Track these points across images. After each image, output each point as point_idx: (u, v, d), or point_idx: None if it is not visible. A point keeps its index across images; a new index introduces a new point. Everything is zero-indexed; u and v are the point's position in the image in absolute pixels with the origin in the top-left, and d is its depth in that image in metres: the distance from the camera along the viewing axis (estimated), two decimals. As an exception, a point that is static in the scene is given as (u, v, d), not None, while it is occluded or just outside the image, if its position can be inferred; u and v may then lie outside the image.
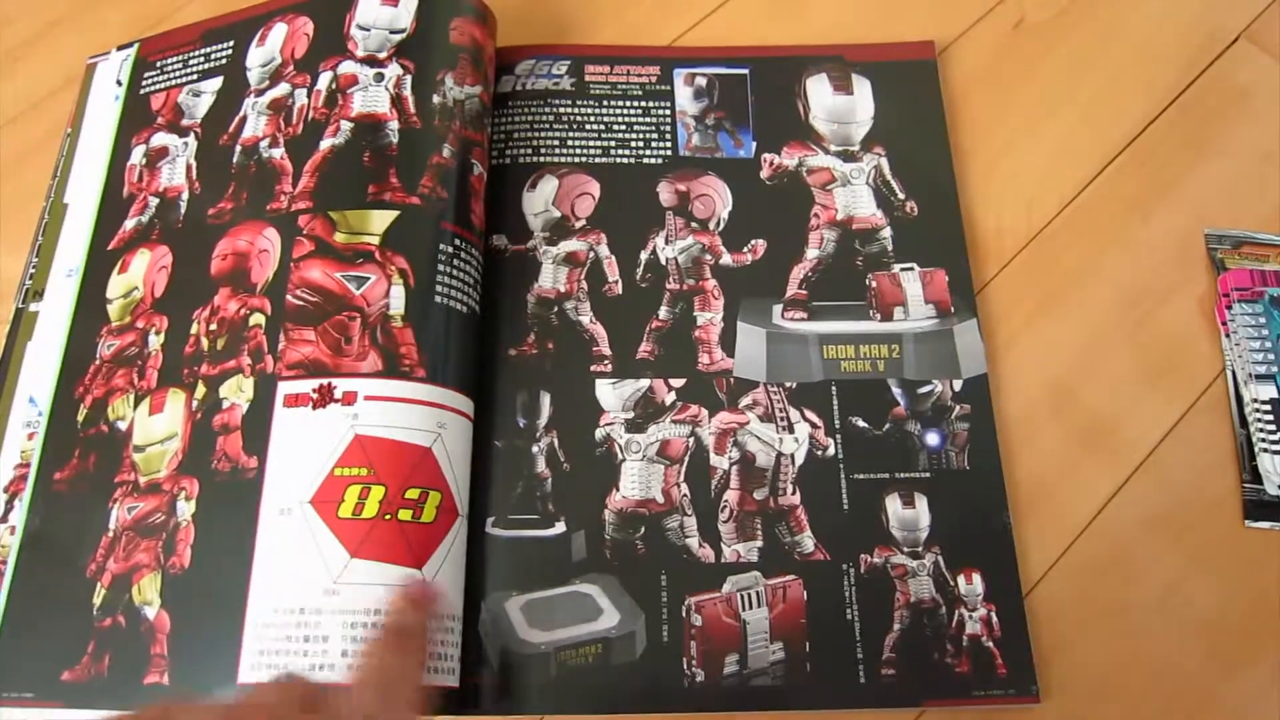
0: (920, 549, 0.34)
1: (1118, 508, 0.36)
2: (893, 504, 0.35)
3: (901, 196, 0.40)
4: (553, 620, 0.33)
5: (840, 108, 0.42)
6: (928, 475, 0.35)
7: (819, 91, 0.43)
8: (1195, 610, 0.34)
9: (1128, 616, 0.34)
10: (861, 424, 0.36)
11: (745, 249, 0.39)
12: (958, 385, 0.37)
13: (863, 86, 0.43)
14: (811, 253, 0.39)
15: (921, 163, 0.41)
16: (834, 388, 0.37)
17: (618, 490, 0.35)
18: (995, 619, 0.33)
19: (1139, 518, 0.35)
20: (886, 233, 0.40)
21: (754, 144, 0.42)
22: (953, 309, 0.38)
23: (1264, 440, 0.36)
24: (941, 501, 0.35)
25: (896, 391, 0.37)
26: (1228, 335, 0.38)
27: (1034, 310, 0.39)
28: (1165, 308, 0.39)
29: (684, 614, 0.33)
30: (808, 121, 0.42)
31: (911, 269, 0.39)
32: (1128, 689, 0.33)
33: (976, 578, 0.34)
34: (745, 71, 0.43)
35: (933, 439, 0.36)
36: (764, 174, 0.41)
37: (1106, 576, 0.34)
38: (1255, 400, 0.36)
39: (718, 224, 0.40)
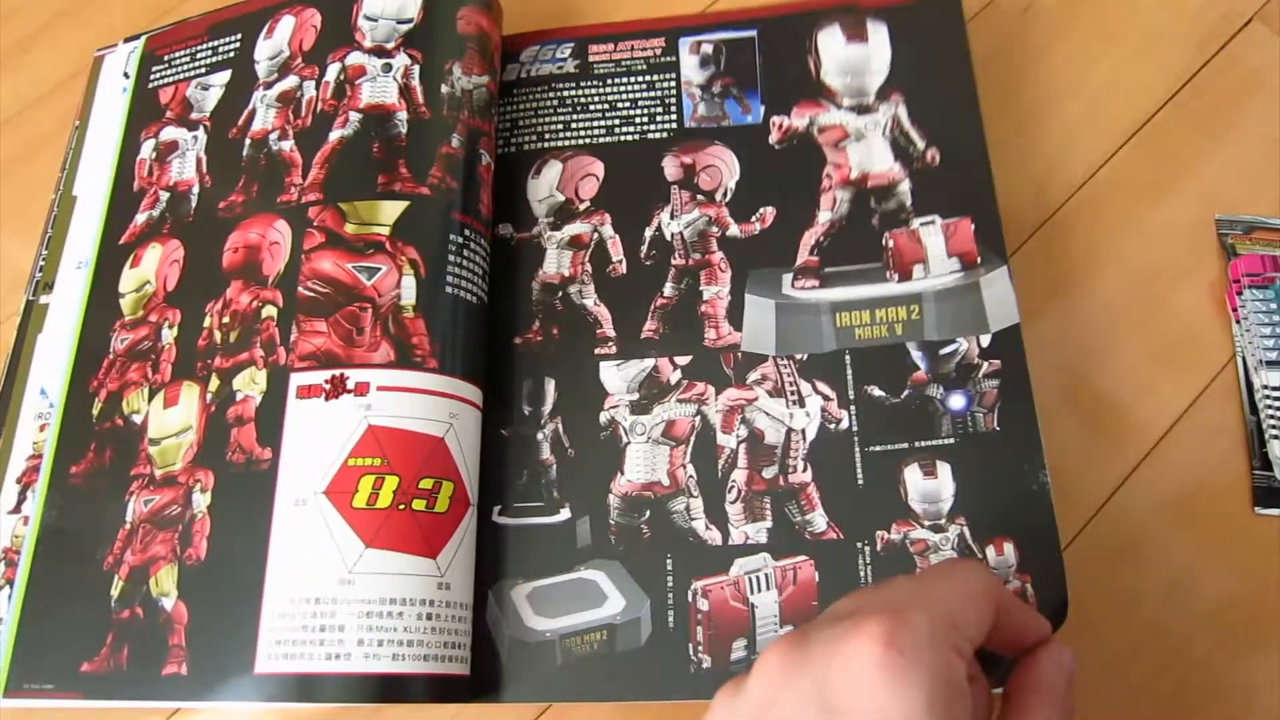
0: (943, 521, 0.33)
1: (1127, 494, 0.36)
2: (912, 475, 0.34)
3: (921, 145, 0.38)
4: (558, 607, 0.33)
5: (854, 58, 0.40)
6: (951, 441, 0.34)
7: (831, 44, 0.41)
8: (1204, 597, 0.34)
9: (1137, 602, 0.34)
10: (878, 393, 0.35)
11: (753, 218, 0.38)
12: (985, 341, 0.35)
13: (879, 32, 0.40)
14: (824, 216, 0.38)
15: (944, 104, 0.39)
16: (848, 357, 0.35)
17: (622, 474, 0.35)
18: (1030, 590, 0.32)
19: (1149, 504, 0.35)
20: (905, 186, 0.38)
21: (762, 108, 0.40)
22: (979, 260, 0.36)
23: (1274, 427, 0.36)
24: (967, 468, 0.34)
25: (916, 355, 0.35)
26: (1238, 321, 0.38)
27: (1044, 295, 0.39)
28: (1176, 293, 0.39)
29: (690, 599, 0.33)
30: (819, 79, 0.40)
31: (933, 222, 0.37)
32: (1137, 674, 0.33)
33: (1008, 547, 0.33)
34: (753, 33, 0.42)
35: (957, 402, 0.34)
36: (773, 138, 0.39)
37: (1116, 563, 0.35)
38: (1265, 387, 0.36)
39: (724, 195, 0.39)
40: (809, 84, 0.40)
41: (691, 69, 0.41)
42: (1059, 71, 0.43)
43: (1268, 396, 0.36)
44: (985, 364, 0.35)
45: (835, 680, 0.21)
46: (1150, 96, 0.42)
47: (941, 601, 0.22)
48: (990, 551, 0.33)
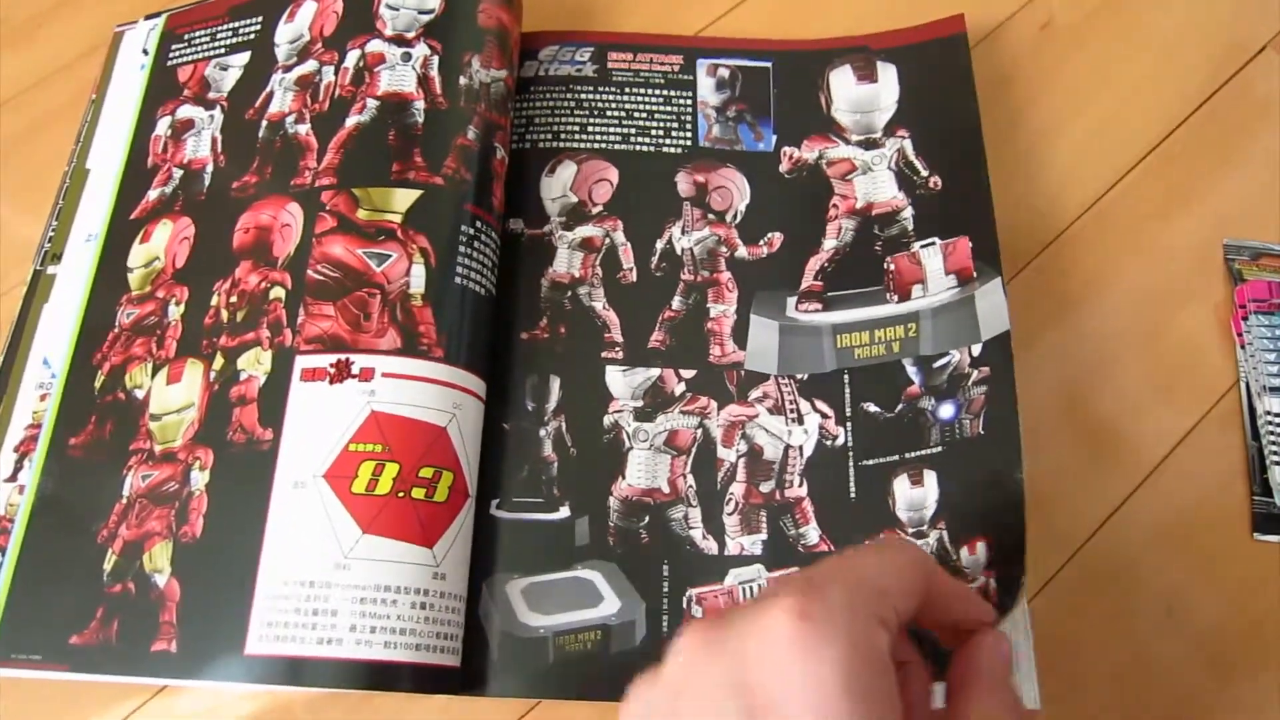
0: (925, 527, 0.34)
1: (1125, 517, 0.36)
2: (900, 486, 0.34)
3: (925, 174, 0.39)
4: (553, 605, 0.33)
5: (863, 97, 0.42)
6: (939, 450, 0.34)
7: (842, 83, 0.42)
8: (1199, 621, 0.34)
9: (1131, 625, 0.34)
10: (873, 409, 0.36)
11: (761, 242, 0.39)
12: (976, 350, 0.35)
13: (887, 72, 0.42)
14: (829, 244, 0.39)
15: (948, 135, 0.40)
16: (846, 375, 0.36)
17: (624, 478, 0.35)
18: (992, 585, 0.32)
19: (1146, 527, 0.35)
20: (908, 213, 0.39)
21: (774, 137, 0.41)
22: (975, 274, 0.37)
23: (1276, 453, 0.36)
24: (952, 473, 0.34)
25: (911, 370, 0.36)
26: (1243, 347, 0.38)
27: (1048, 315, 0.39)
28: (1181, 317, 0.39)
29: (685, 605, 0.33)
30: (829, 114, 0.42)
31: (933, 244, 0.38)
32: (1128, 698, 0.33)
33: (980, 547, 0.33)
34: (768, 64, 0.43)
35: (946, 411, 0.35)
36: (783, 168, 0.41)
37: (1111, 585, 0.35)
38: (1269, 413, 0.36)
39: (734, 217, 0.40)
40: (820, 118, 0.42)
41: (708, 90, 0.42)
42: (1074, 89, 0.44)
43: (1270, 422, 0.36)
44: (975, 372, 0.35)
45: (750, 657, 0.20)
46: (1162, 119, 0.43)
47: (863, 573, 0.22)
48: (964, 552, 0.33)
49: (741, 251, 0.39)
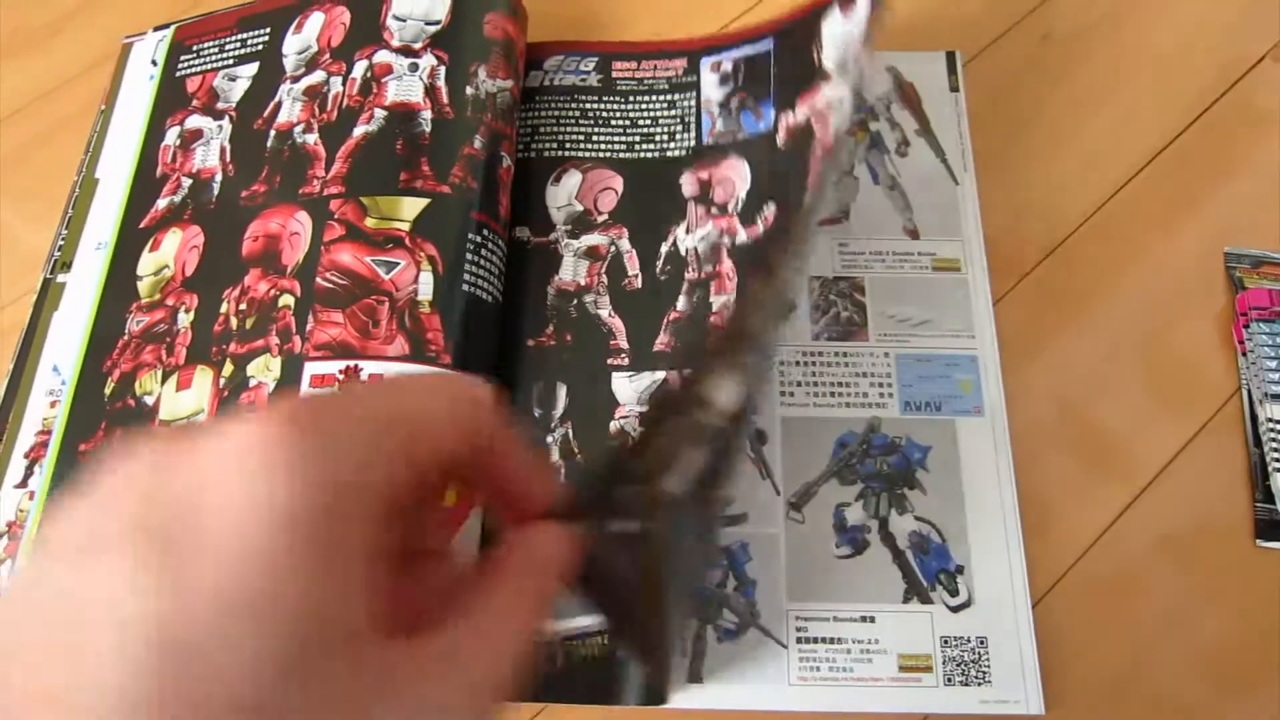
0: None
1: (1126, 526, 0.36)
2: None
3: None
4: (561, 609, 0.33)
5: (848, 30, 0.39)
6: None
7: (831, 28, 0.40)
8: (1202, 629, 0.34)
9: (1134, 634, 0.34)
10: None
11: (758, 219, 0.39)
12: None
13: None
14: (808, 199, 0.37)
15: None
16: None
17: (630, 484, 0.35)
18: None
19: (1148, 536, 0.35)
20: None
21: (773, 112, 0.41)
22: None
23: (1278, 460, 0.36)
24: None
25: None
26: (1244, 354, 0.38)
27: (1050, 325, 0.39)
28: (1182, 326, 0.39)
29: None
30: (821, 66, 0.40)
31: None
32: (1131, 707, 0.33)
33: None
34: (769, 46, 0.42)
35: None
36: (780, 139, 0.40)
37: (1113, 594, 0.35)
38: (1270, 420, 0.36)
39: (736, 205, 0.39)
40: (813, 75, 0.40)
41: (711, 87, 0.42)
42: (1074, 100, 0.44)
43: (1272, 429, 0.36)
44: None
45: (197, 464, 0.14)
46: (1163, 129, 0.43)
47: (402, 397, 0.16)
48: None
49: (741, 235, 0.39)
